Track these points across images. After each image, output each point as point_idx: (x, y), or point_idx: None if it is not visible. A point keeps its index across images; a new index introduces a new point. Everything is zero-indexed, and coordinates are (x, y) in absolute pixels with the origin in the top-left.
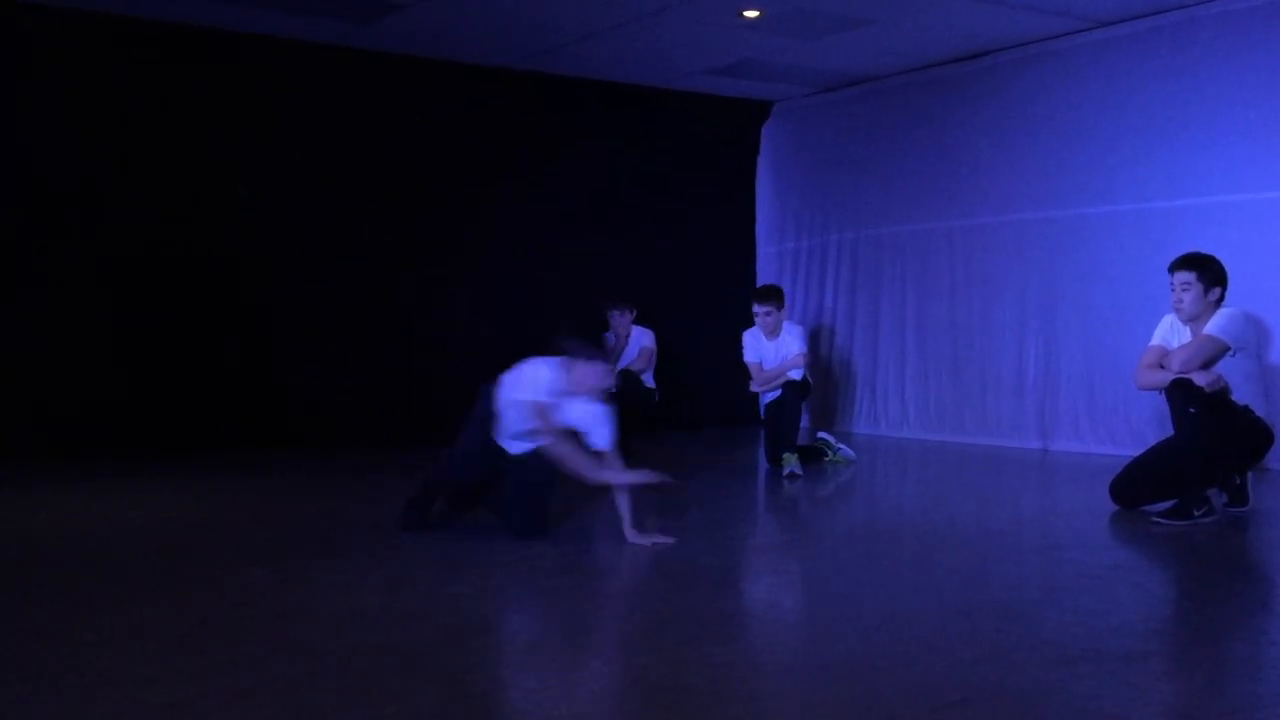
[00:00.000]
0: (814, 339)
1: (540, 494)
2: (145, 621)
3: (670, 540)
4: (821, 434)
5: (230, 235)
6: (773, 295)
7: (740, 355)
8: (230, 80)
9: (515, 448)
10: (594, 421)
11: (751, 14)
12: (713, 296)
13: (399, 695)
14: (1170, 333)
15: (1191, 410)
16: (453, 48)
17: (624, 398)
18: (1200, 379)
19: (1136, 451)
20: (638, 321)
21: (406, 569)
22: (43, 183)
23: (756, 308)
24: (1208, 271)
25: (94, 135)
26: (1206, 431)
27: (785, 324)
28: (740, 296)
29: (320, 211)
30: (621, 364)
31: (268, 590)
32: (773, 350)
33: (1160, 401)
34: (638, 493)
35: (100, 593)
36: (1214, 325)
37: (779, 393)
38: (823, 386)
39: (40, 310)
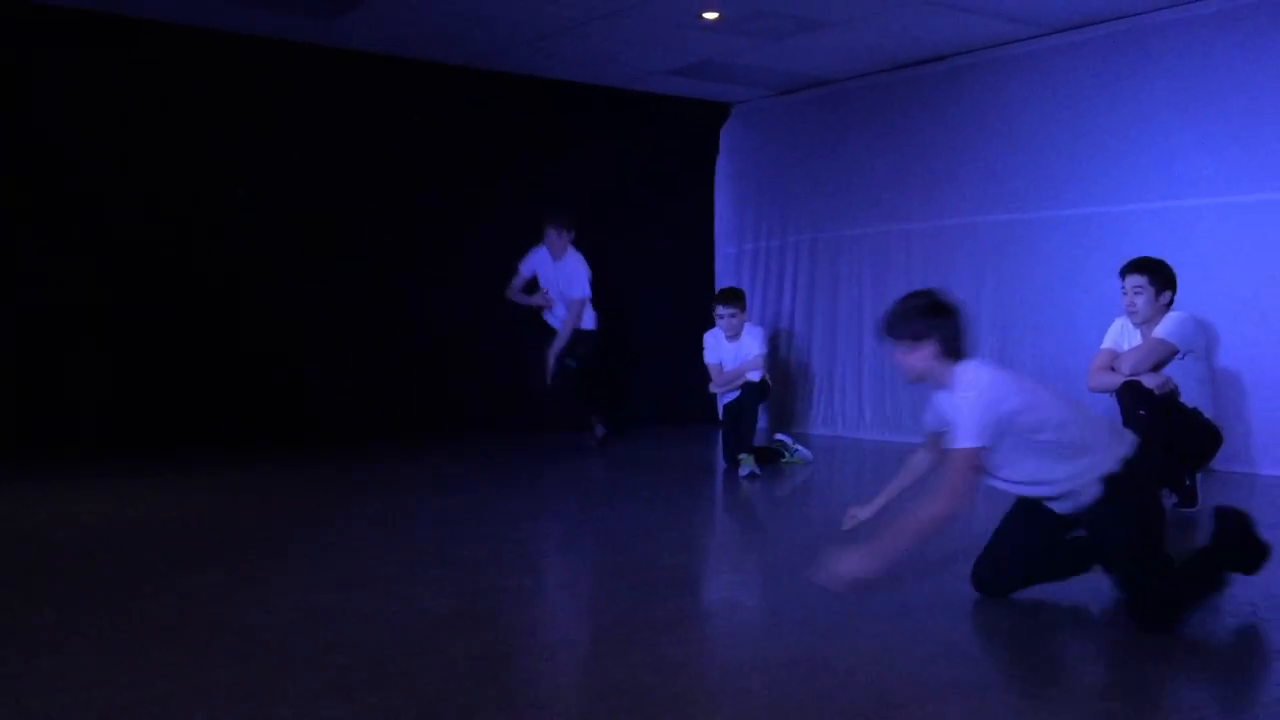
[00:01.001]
0: (772, 341)
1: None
2: (110, 623)
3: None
4: (779, 435)
5: (230, 235)
6: (735, 298)
7: (701, 356)
8: (230, 80)
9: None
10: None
11: (710, 15)
12: (671, 297)
13: (355, 696)
14: (1121, 336)
15: (1141, 412)
16: (409, 47)
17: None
18: (1150, 381)
19: None
20: (575, 245)
21: (369, 568)
22: (43, 182)
23: (720, 310)
24: (1159, 275)
25: (94, 135)
26: (1156, 433)
27: (746, 326)
28: (698, 297)
29: (320, 211)
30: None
31: (227, 591)
32: (733, 352)
33: (1112, 403)
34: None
35: (65, 592)
36: (1163, 329)
37: (738, 393)
38: (780, 387)
39: (40, 310)
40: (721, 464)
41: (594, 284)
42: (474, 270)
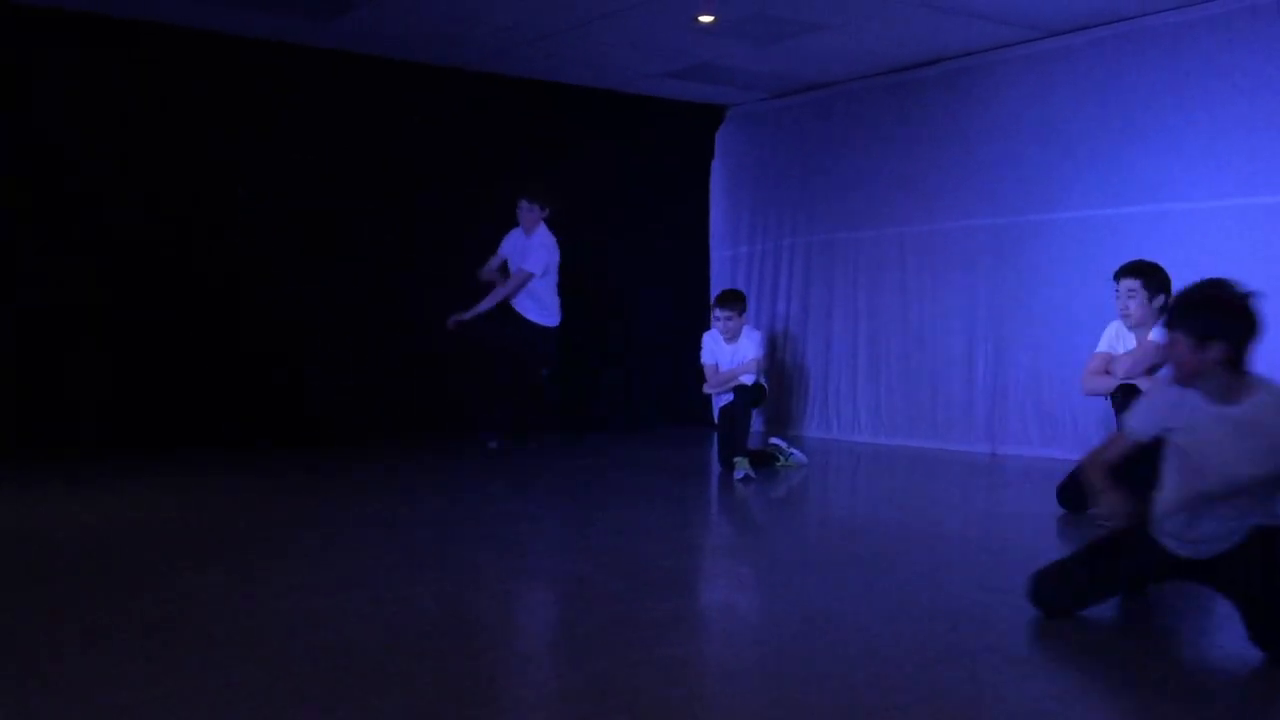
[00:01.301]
0: (767, 344)
1: None
2: (110, 623)
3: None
4: (774, 439)
5: (230, 235)
6: (735, 300)
7: (698, 356)
8: (230, 80)
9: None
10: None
11: (706, 18)
12: (666, 299)
13: (354, 696)
14: (1116, 339)
15: None
16: (408, 48)
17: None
18: (1144, 385)
19: (1082, 456)
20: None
21: (369, 569)
22: (43, 183)
23: (718, 312)
24: (1152, 279)
25: (94, 135)
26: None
27: (745, 329)
28: (693, 300)
29: (320, 212)
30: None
31: (227, 591)
32: (730, 354)
33: (1106, 407)
34: None
35: (65, 592)
36: (1158, 332)
37: (732, 396)
38: (775, 390)
39: (40, 310)
40: (716, 466)
41: (560, 270)
42: (474, 270)
